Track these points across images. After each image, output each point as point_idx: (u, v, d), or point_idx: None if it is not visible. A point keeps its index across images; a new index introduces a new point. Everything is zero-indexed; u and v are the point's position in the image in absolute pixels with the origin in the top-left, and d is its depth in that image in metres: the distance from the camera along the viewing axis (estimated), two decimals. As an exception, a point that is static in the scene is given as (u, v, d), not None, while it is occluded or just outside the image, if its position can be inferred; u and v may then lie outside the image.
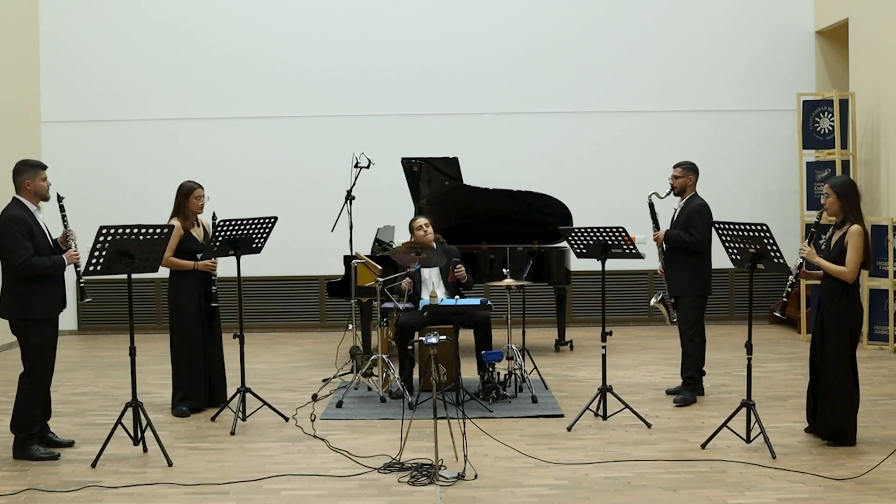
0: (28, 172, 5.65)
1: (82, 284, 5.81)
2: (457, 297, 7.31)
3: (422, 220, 7.43)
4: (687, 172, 6.94)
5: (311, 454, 5.68)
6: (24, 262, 5.47)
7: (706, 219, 6.79)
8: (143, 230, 5.49)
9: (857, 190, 5.73)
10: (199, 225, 6.81)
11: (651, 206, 7.05)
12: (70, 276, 5.86)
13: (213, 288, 6.73)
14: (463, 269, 7.30)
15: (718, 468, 5.27)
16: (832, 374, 5.61)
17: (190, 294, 6.67)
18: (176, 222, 6.62)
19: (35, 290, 5.56)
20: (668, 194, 7.02)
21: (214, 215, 6.56)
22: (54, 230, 5.81)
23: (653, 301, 7.07)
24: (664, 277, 7.01)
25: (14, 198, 5.65)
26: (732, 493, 4.85)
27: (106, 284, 10.29)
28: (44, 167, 5.73)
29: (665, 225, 7.07)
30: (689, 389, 6.85)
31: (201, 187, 6.75)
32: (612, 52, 10.85)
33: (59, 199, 5.81)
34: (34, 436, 5.66)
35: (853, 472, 5.11)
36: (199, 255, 6.68)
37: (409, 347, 6.98)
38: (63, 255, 5.66)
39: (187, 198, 6.68)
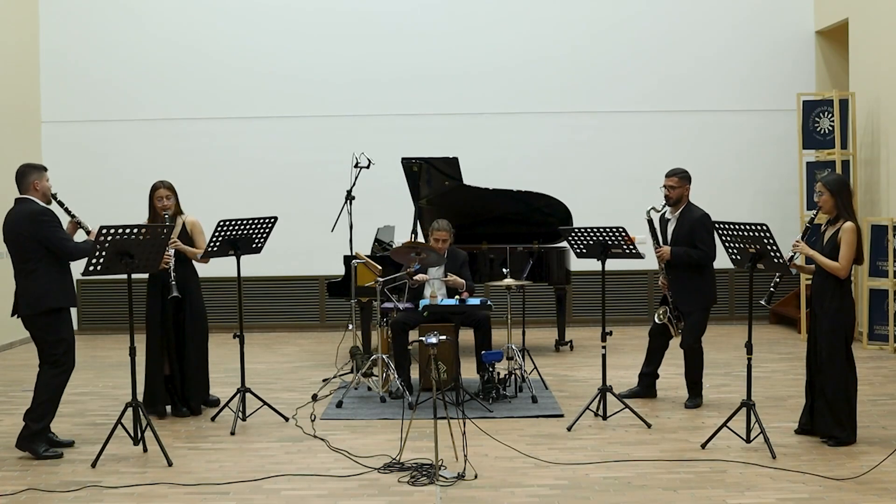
0: (35, 173, 5.73)
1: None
2: (456, 296, 7.31)
3: (443, 234, 7.32)
4: (683, 182, 6.69)
5: (311, 454, 5.68)
6: (74, 246, 5.57)
7: (710, 230, 6.53)
8: (144, 230, 5.49)
9: (850, 187, 5.81)
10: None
11: (650, 221, 6.71)
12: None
13: (172, 281, 6.33)
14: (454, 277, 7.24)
15: (718, 468, 5.27)
16: (828, 371, 5.63)
17: (154, 297, 6.57)
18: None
19: (56, 280, 5.59)
20: (664, 206, 6.73)
21: (165, 217, 6.38)
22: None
23: (657, 318, 6.79)
24: (667, 292, 6.75)
25: (25, 197, 5.68)
26: (732, 493, 4.85)
27: (106, 284, 10.34)
28: (45, 169, 5.82)
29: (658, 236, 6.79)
30: (698, 394, 6.82)
31: (165, 187, 6.49)
32: (613, 52, 10.84)
33: (54, 195, 5.80)
34: (46, 430, 5.67)
35: (853, 472, 5.11)
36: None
37: (409, 347, 6.99)
38: (89, 239, 5.72)
39: (151, 197, 6.52)
